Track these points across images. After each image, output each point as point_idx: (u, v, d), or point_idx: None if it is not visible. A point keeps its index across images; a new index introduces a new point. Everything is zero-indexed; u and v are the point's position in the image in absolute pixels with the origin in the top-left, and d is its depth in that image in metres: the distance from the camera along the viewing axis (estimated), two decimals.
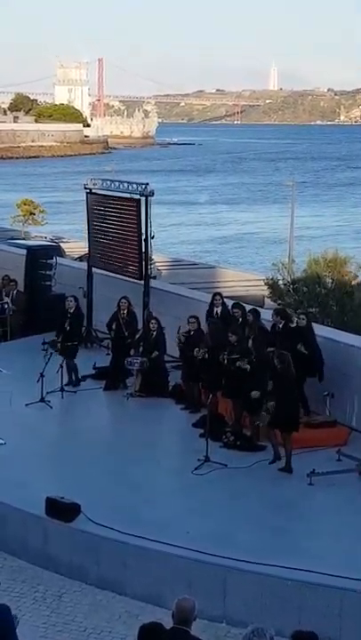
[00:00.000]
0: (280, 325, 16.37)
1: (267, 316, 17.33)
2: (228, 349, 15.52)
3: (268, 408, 14.51)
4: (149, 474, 14.04)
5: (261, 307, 22.05)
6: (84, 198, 22.57)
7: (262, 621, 9.43)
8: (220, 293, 18.82)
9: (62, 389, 17.76)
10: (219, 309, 17.99)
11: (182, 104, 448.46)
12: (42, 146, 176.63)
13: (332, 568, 10.70)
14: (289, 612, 10.48)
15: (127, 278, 20.71)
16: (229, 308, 17.81)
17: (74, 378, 18.46)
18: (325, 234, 70.00)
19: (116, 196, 21.47)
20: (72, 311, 19.16)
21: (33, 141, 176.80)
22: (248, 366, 14.98)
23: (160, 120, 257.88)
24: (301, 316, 16.55)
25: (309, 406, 16.01)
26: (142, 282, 20.04)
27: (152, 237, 19.87)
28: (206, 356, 16.17)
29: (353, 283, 25.45)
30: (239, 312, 17.32)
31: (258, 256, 61.84)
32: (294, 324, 16.27)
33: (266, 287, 28.41)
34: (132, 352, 18.42)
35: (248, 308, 17.63)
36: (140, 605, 11.15)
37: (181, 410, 17.13)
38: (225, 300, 18.48)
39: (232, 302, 18.32)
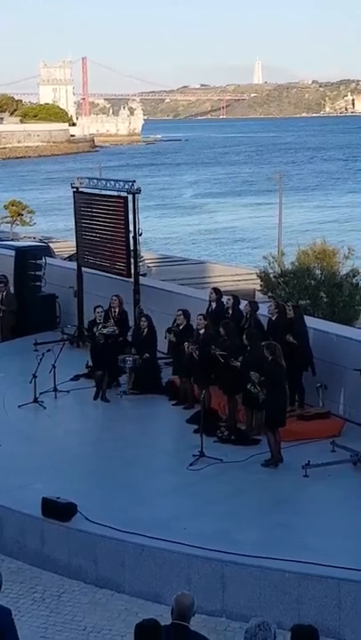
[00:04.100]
0: (273, 318, 16.40)
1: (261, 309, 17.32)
2: (219, 343, 15.53)
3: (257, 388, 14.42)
4: (145, 471, 14.04)
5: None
6: (72, 197, 22.53)
7: (262, 614, 9.49)
8: (216, 288, 18.76)
9: (55, 389, 17.75)
10: (213, 305, 17.90)
11: (167, 100, 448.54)
12: (28, 146, 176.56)
13: (329, 559, 10.72)
14: (288, 604, 10.51)
15: (117, 276, 20.67)
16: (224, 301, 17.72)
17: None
18: (310, 224, 70.10)
19: (103, 195, 21.46)
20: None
21: (19, 142, 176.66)
22: (238, 364, 14.97)
23: (146, 117, 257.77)
24: (290, 307, 16.57)
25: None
26: (132, 279, 20.03)
27: (140, 234, 19.85)
28: (197, 352, 16.16)
29: (342, 274, 25.50)
30: (230, 303, 17.31)
31: (245, 249, 61.92)
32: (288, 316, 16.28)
33: (257, 280, 28.45)
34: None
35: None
36: (140, 602, 11.16)
37: (175, 406, 17.13)
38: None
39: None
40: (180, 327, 17.25)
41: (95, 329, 18.13)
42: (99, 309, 18.37)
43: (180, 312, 17.39)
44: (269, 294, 26.08)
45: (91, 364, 18.66)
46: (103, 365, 17.83)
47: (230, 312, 17.19)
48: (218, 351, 15.40)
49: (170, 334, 17.39)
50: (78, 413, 17.52)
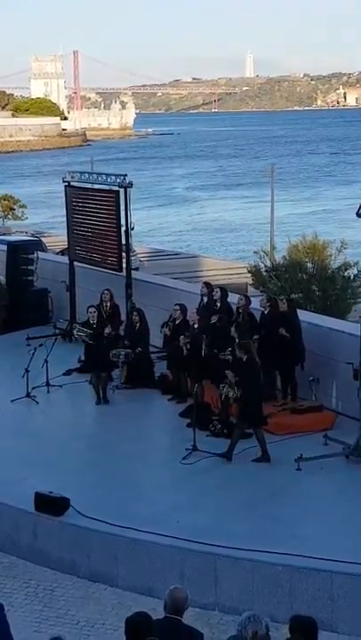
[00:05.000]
0: (266, 312, 16.42)
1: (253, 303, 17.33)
2: (210, 336, 15.55)
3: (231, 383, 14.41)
4: (138, 465, 14.06)
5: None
6: (63, 191, 22.49)
7: (255, 608, 9.52)
8: (207, 282, 18.76)
9: (48, 384, 17.73)
10: (205, 299, 17.88)
11: (159, 94, 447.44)
12: (20, 140, 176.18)
13: (322, 551, 10.75)
14: (281, 597, 10.54)
15: (109, 271, 20.66)
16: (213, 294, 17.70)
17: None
18: (301, 217, 70.12)
19: (94, 189, 21.45)
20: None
21: (11, 136, 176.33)
22: (230, 357, 14.97)
23: (137, 111, 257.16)
24: (283, 301, 16.58)
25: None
26: (124, 274, 20.01)
27: (132, 228, 19.83)
28: (188, 345, 16.18)
29: (334, 267, 25.49)
30: (218, 296, 17.32)
31: (237, 243, 61.90)
32: (280, 310, 16.29)
33: (249, 275, 28.42)
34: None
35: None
36: (133, 596, 11.18)
37: (168, 400, 17.13)
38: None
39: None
40: (177, 322, 17.24)
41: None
42: (91, 309, 18.01)
43: (178, 306, 17.37)
44: (261, 288, 26.07)
45: (83, 358, 18.68)
46: (95, 366, 17.65)
47: (218, 305, 17.20)
48: (207, 342, 15.44)
49: (165, 328, 17.38)
50: (71, 408, 17.52)
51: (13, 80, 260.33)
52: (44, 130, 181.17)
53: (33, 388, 17.28)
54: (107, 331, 17.43)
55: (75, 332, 18.67)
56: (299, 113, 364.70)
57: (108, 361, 17.66)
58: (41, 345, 18.17)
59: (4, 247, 24.39)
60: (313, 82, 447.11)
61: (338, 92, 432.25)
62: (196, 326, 16.51)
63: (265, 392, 16.24)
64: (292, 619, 7.25)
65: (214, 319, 16.16)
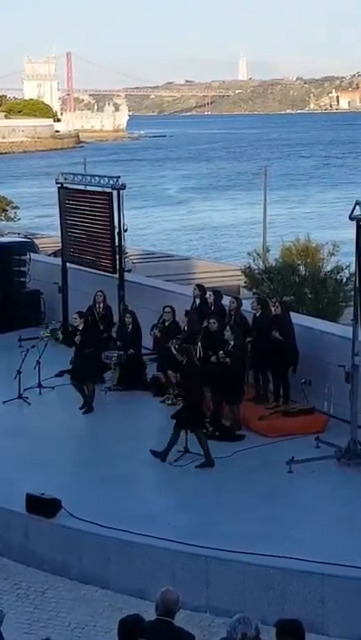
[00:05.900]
0: (257, 314, 16.44)
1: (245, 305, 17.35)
2: (206, 339, 15.55)
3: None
4: (130, 467, 14.04)
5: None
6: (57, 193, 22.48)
7: (246, 610, 9.50)
8: (200, 285, 18.78)
9: (40, 385, 17.71)
10: (197, 301, 17.89)
11: (152, 96, 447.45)
12: (12, 142, 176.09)
13: (314, 554, 10.76)
14: (272, 599, 10.54)
15: (102, 272, 20.67)
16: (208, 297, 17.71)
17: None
18: (294, 220, 70.17)
19: (87, 190, 21.45)
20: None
21: (3, 138, 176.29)
22: (229, 359, 14.96)
23: (130, 113, 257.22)
24: (276, 304, 16.59)
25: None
26: (117, 275, 20.02)
27: (125, 230, 19.85)
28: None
29: (326, 270, 25.55)
30: (212, 299, 17.33)
31: (229, 245, 61.93)
32: (273, 313, 16.31)
33: (242, 276, 28.44)
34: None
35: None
36: (124, 598, 11.17)
37: (160, 402, 17.11)
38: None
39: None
40: (167, 324, 17.25)
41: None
42: (74, 315, 17.69)
43: (168, 308, 17.40)
44: (254, 291, 26.11)
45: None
46: (82, 376, 17.28)
47: (212, 307, 17.21)
48: (202, 345, 15.44)
49: (155, 330, 17.39)
50: (63, 409, 17.48)
51: (6, 81, 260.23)
52: (36, 131, 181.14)
53: (25, 390, 17.27)
54: (77, 339, 17.25)
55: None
56: (291, 116, 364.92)
57: (88, 371, 17.27)
58: (33, 346, 18.14)
59: None
60: (306, 85, 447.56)
61: (330, 95, 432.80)
62: (186, 328, 16.50)
63: (260, 395, 16.37)
64: (278, 623, 7.22)
65: (212, 324, 16.14)
